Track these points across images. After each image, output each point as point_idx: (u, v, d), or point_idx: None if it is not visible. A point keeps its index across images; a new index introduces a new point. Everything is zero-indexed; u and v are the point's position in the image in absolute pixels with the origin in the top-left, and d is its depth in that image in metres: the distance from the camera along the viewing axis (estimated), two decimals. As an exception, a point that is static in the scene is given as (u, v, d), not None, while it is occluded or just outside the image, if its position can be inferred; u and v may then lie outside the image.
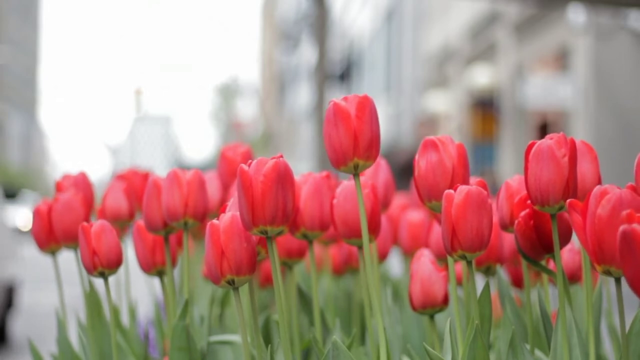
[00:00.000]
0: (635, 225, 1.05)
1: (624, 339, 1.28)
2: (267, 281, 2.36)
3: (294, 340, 1.82)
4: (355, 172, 1.46)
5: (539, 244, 1.52)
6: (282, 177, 1.39)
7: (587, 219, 1.24)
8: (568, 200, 1.29)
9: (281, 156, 1.42)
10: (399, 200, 2.56)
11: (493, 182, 7.32)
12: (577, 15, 13.02)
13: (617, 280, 1.28)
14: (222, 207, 1.54)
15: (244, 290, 1.90)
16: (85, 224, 1.66)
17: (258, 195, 1.38)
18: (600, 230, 1.22)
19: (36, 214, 1.96)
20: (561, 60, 14.53)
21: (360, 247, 1.66)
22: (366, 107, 1.44)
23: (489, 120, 17.70)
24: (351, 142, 1.43)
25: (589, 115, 13.08)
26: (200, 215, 1.72)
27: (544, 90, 14.12)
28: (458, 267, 2.00)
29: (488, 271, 1.90)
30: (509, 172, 14.66)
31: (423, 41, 23.34)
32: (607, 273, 1.24)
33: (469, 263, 1.41)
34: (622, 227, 1.05)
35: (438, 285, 1.65)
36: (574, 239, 1.63)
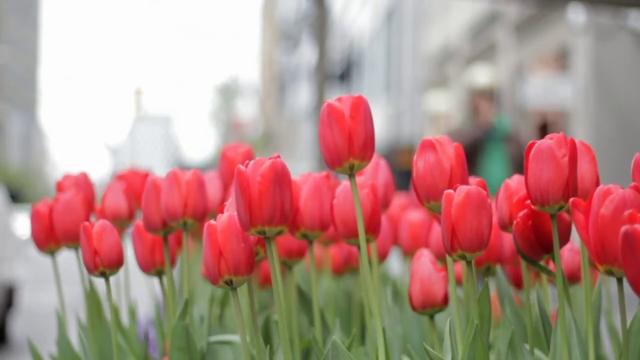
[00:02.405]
0: (637, 226, 1.04)
1: (624, 338, 1.28)
2: (266, 281, 2.36)
3: (294, 340, 1.82)
4: (351, 173, 1.46)
5: (537, 244, 1.52)
6: (280, 177, 1.39)
7: (589, 219, 1.24)
8: (571, 200, 1.29)
9: (278, 156, 1.42)
10: (399, 200, 2.56)
11: (519, 150, 7.17)
12: (577, 15, 13.02)
13: (619, 280, 1.28)
14: (221, 207, 1.54)
15: (244, 290, 1.90)
16: (86, 223, 1.66)
17: (255, 196, 1.38)
18: (603, 230, 1.22)
19: (36, 214, 1.96)
20: (561, 60, 14.53)
21: (360, 247, 1.66)
22: (360, 108, 1.44)
23: (489, 120, 17.67)
24: (346, 142, 1.43)
25: (589, 115, 13.08)
26: (199, 215, 1.73)
27: (544, 90, 14.11)
28: (458, 267, 2.00)
29: (488, 271, 1.90)
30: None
31: (423, 41, 23.33)
32: (610, 273, 1.24)
33: (469, 263, 1.41)
34: (623, 228, 1.05)
35: (438, 285, 1.65)
36: (573, 238, 1.63)
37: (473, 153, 6.86)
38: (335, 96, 1.62)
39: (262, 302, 2.49)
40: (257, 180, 1.38)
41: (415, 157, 1.52)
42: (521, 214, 1.53)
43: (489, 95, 7.14)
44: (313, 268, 1.74)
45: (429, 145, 1.50)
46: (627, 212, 1.12)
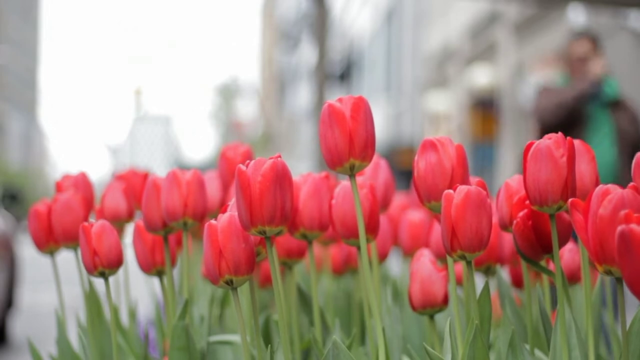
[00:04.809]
0: (633, 226, 1.04)
1: (624, 339, 1.28)
2: (267, 281, 2.36)
3: (294, 340, 1.82)
4: (351, 173, 1.46)
5: (537, 244, 1.53)
6: (280, 177, 1.39)
7: (588, 219, 1.24)
8: (570, 200, 1.29)
9: (279, 156, 1.42)
10: (399, 200, 2.56)
11: (634, 124, 4.86)
12: (577, 15, 13.02)
13: (618, 280, 1.28)
14: (222, 207, 1.54)
15: (244, 290, 1.90)
16: (85, 224, 1.66)
17: (256, 196, 1.38)
18: (602, 230, 1.22)
19: (35, 214, 1.96)
20: (561, 60, 14.52)
21: (359, 247, 1.66)
22: (361, 108, 1.45)
23: (489, 120, 17.69)
24: (346, 143, 1.44)
25: (589, 115, 13.07)
26: (199, 215, 1.73)
27: (544, 90, 14.09)
28: (458, 267, 2.00)
29: (488, 271, 1.90)
30: (509, 172, 14.65)
31: (423, 41, 23.33)
32: (609, 273, 1.24)
33: (469, 263, 1.41)
34: (619, 228, 1.05)
35: (438, 285, 1.66)
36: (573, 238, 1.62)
37: (573, 119, 4.80)
38: (335, 96, 1.62)
39: (262, 302, 2.49)
40: (257, 180, 1.38)
41: (416, 157, 1.52)
42: (521, 214, 1.53)
43: (597, 44, 5.01)
44: (313, 268, 1.74)
45: (430, 145, 1.50)
46: (622, 212, 1.12)
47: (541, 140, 1.41)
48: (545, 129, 4.80)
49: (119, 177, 2.29)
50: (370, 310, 1.69)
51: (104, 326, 2.01)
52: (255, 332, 1.49)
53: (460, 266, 1.95)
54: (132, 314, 2.24)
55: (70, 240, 1.93)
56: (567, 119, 4.76)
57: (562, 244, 1.53)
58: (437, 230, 1.99)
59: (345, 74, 31.86)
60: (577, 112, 4.79)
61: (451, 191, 1.38)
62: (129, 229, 2.18)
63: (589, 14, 12.73)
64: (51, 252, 1.99)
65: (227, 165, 2.17)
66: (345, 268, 2.39)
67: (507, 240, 1.89)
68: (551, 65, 13.99)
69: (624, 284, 1.24)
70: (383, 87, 27.97)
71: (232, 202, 1.51)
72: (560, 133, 1.42)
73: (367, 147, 1.45)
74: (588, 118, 4.82)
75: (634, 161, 1.44)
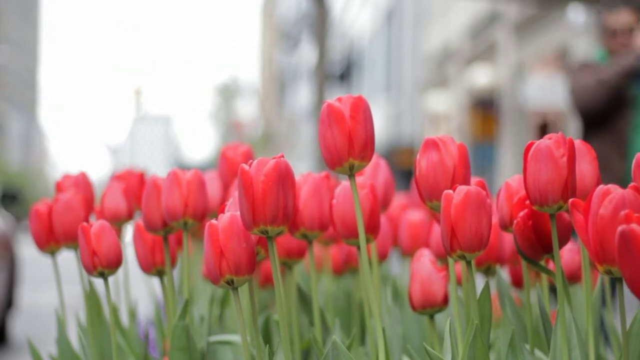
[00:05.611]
0: (633, 226, 1.04)
1: (624, 339, 1.28)
2: (267, 281, 2.36)
3: (294, 340, 1.82)
4: (351, 173, 1.46)
5: (537, 244, 1.53)
6: (283, 177, 1.39)
7: (589, 219, 1.24)
8: (571, 200, 1.29)
9: (282, 156, 1.42)
10: (399, 200, 2.56)
11: None
12: (577, 15, 13.02)
13: (619, 281, 1.28)
14: (222, 207, 1.54)
15: (244, 290, 1.90)
16: (85, 224, 1.66)
17: (259, 195, 1.38)
18: (602, 230, 1.22)
19: (35, 214, 1.97)
20: (561, 60, 14.52)
21: (359, 247, 1.67)
22: (360, 108, 1.45)
23: (489, 120, 17.70)
24: (346, 142, 1.44)
25: (589, 115, 13.04)
26: (200, 215, 1.73)
27: (543, 90, 14.11)
28: (458, 267, 2.00)
29: (488, 271, 1.90)
30: (509, 172, 14.65)
31: (423, 41, 23.33)
32: (609, 273, 1.24)
33: (469, 263, 1.41)
34: (620, 228, 1.05)
35: (438, 285, 1.66)
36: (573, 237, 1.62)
37: (616, 101, 4.20)
38: (335, 96, 1.62)
39: (263, 302, 2.50)
40: (260, 180, 1.38)
41: (418, 156, 1.52)
42: (521, 214, 1.53)
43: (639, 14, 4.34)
44: (313, 268, 1.74)
45: (432, 144, 1.50)
46: (623, 212, 1.12)
47: (541, 140, 1.41)
48: (585, 113, 4.26)
49: (119, 177, 2.29)
50: (370, 310, 1.69)
51: (104, 326, 2.01)
52: (255, 332, 1.49)
53: (460, 266, 1.95)
54: (132, 314, 2.24)
55: (71, 240, 1.93)
56: (610, 100, 4.17)
57: (562, 244, 1.53)
58: (437, 230, 1.99)
59: (345, 74, 31.87)
60: (621, 92, 4.21)
61: (451, 191, 1.38)
62: (129, 229, 2.18)
63: (589, 13, 12.72)
64: (52, 252, 1.99)
65: (227, 165, 2.17)
66: (345, 268, 2.39)
67: (507, 240, 1.89)
68: (551, 65, 13.99)
69: (624, 284, 1.25)
70: (383, 87, 27.96)
71: (231, 201, 1.51)
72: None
73: (367, 147, 1.45)
74: (633, 100, 4.26)
75: (634, 161, 1.43)
